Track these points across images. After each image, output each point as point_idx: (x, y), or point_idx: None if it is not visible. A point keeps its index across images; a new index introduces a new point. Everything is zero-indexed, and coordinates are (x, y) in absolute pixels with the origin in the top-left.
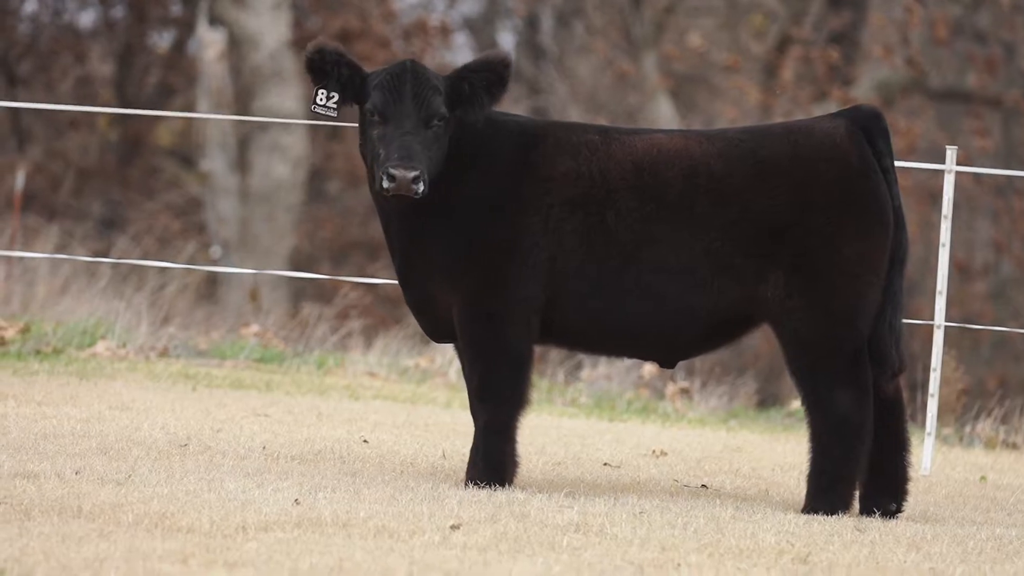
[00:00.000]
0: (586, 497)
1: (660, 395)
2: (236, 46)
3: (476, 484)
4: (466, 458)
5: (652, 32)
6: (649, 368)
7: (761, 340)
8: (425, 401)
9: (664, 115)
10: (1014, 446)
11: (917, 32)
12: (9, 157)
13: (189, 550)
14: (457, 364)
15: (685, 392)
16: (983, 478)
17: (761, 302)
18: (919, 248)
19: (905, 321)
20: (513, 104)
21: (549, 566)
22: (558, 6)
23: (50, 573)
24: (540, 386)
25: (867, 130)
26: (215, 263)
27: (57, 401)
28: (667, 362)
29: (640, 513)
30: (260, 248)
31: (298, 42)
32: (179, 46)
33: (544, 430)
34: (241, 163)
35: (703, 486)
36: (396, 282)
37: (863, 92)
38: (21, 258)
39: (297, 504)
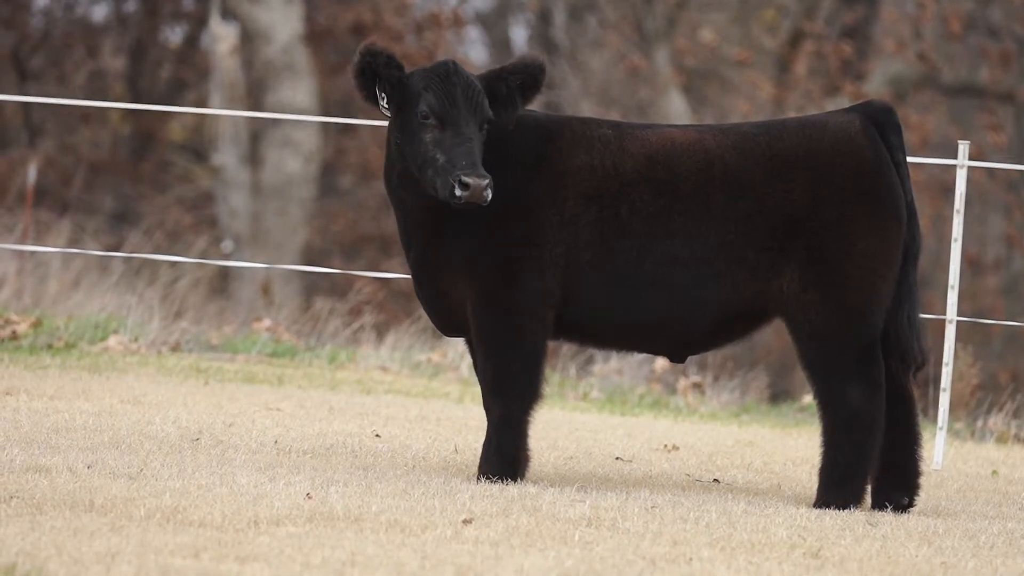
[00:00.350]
0: (598, 491)
1: (672, 390)
2: (248, 40)
3: (488, 478)
4: (478, 453)
5: (664, 27)
6: (661, 363)
7: (773, 335)
8: (437, 396)
9: (676, 110)
10: None
11: (930, 27)
12: (21, 151)
13: (201, 544)
14: (469, 359)
15: (697, 387)
16: (995, 472)
17: (775, 296)
18: (931, 243)
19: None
20: None
21: (561, 560)
22: (570, 0)
23: (62, 567)
24: (552, 381)
25: (879, 125)
26: (227, 257)
27: (69, 395)
28: (678, 357)
29: (652, 507)
30: (272, 243)
31: (311, 36)
32: (191, 40)
33: (556, 424)
34: (253, 157)
35: (715, 480)
36: (408, 277)
37: (875, 87)
38: (33, 252)
39: (309, 498)
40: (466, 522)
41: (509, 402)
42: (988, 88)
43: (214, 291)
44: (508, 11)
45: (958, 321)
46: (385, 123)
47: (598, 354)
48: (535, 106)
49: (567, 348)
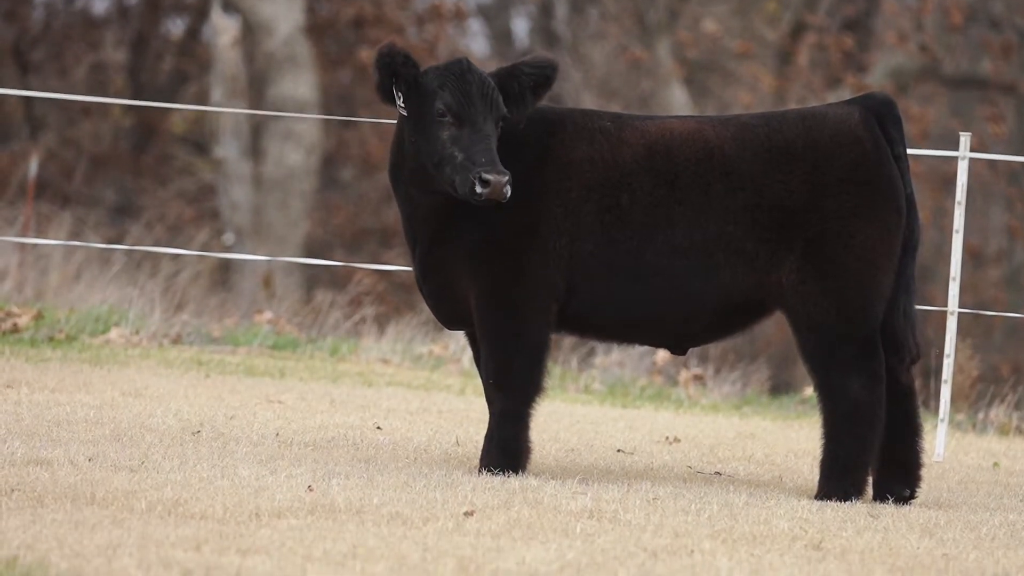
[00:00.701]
0: (599, 483)
1: (673, 382)
2: (250, 32)
3: (490, 471)
4: (479, 445)
5: (666, 19)
6: (662, 355)
7: (773, 327)
8: (439, 388)
9: (678, 101)
10: None
11: (931, 18)
12: (22, 144)
13: (202, 537)
14: (470, 351)
15: (698, 379)
16: (996, 464)
17: (774, 288)
18: (933, 234)
19: (918, 307)
20: None
21: (562, 552)
22: None
23: (63, 560)
24: (553, 373)
25: (880, 117)
26: (228, 250)
27: (70, 388)
28: (678, 349)
29: (653, 499)
30: (273, 235)
31: (312, 28)
32: (193, 33)
33: (557, 417)
34: (254, 150)
35: (716, 472)
36: (409, 269)
37: (877, 79)
38: (35, 245)
39: (310, 491)
40: (468, 514)
41: (512, 395)
42: (989, 79)
43: (215, 284)
44: (510, 3)
45: (960, 313)
46: (386, 120)
47: (599, 346)
48: None
49: (568, 340)
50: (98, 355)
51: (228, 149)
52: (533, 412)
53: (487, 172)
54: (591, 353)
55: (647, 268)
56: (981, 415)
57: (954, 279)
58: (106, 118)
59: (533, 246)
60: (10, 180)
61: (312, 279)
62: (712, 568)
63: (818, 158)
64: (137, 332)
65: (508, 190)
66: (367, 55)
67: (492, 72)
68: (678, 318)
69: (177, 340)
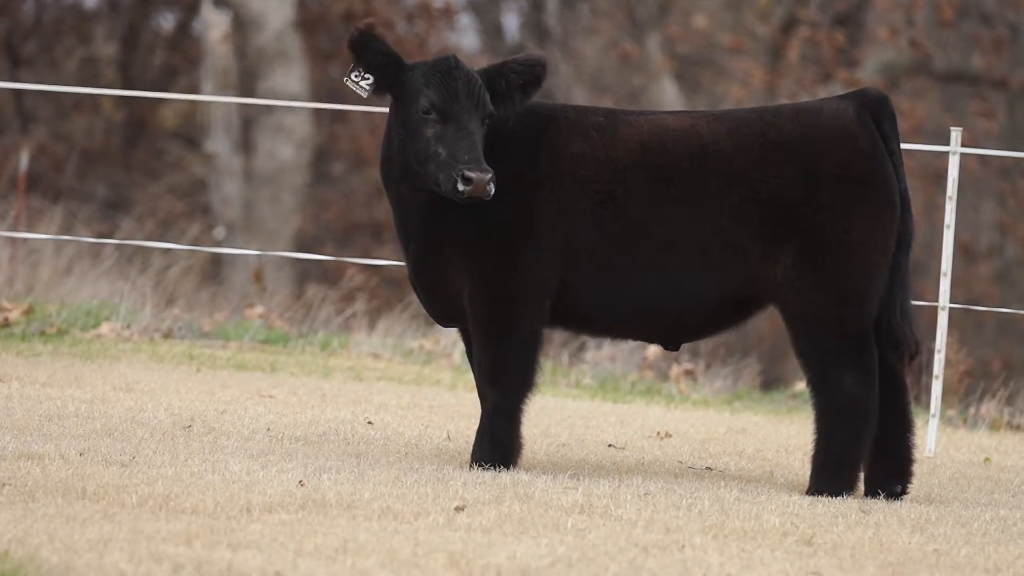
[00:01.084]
0: (590, 479)
1: (664, 377)
2: (241, 27)
3: (481, 466)
4: (471, 440)
5: (656, 13)
6: (653, 350)
7: (765, 322)
8: (430, 383)
9: (668, 96)
10: (1018, 428)
11: (922, 13)
12: (13, 138)
13: (194, 531)
14: (461, 346)
15: (689, 374)
16: (987, 460)
17: (769, 283)
18: (924, 229)
19: (912, 303)
20: None
21: (553, 547)
22: None
23: (54, 554)
24: (544, 368)
25: (875, 113)
26: (219, 244)
27: (61, 382)
28: (672, 344)
29: (645, 495)
30: (264, 230)
31: (303, 23)
32: (184, 27)
33: (549, 412)
34: (245, 144)
35: (708, 468)
36: (401, 264)
37: (868, 74)
38: (25, 239)
39: (301, 485)
40: (459, 509)
41: (504, 391)
42: (981, 75)
43: (206, 278)
44: None
45: (951, 308)
46: (375, 109)
47: (590, 341)
48: None
49: (560, 335)
50: (89, 349)
51: (219, 144)
52: (525, 407)
53: (469, 170)
54: (582, 348)
55: (641, 264)
56: (972, 411)
57: (945, 274)
58: (97, 112)
59: (527, 242)
60: (1, 174)
61: (303, 273)
62: (703, 563)
63: (813, 153)
64: (128, 326)
65: (491, 188)
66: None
67: (481, 70)
68: (672, 313)
69: (168, 334)
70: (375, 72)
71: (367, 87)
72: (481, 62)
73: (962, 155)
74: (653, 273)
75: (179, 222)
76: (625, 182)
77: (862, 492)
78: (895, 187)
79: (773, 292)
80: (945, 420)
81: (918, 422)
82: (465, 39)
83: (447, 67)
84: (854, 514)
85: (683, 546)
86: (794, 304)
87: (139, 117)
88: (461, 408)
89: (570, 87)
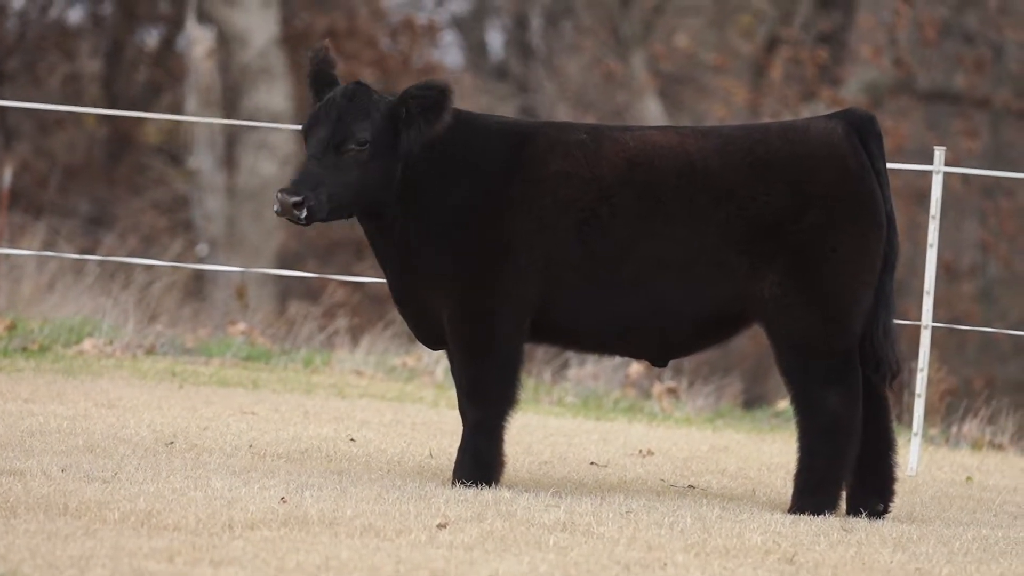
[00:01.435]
0: (573, 496)
1: (647, 395)
2: (225, 43)
3: (463, 483)
4: (453, 457)
5: (640, 31)
6: (636, 367)
7: (747, 341)
8: (412, 400)
9: (652, 114)
10: (1000, 447)
11: (905, 33)
12: None
13: (175, 548)
14: (444, 363)
15: (672, 392)
16: (969, 479)
17: (755, 300)
18: (907, 248)
19: (895, 322)
20: (501, 103)
21: (535, 565)
22: (547, 5)
23: (36, 570)
24: (527, 385)
25: (860, 133)
26: (202, 261)
27: (43, 398)
28: (658, 361)
29: (627, 512)
30: (247, 246)
31: (287, 40)
32: (168, 43)
33: (531, 429)
34: (228, 161)
35: (690, 486)
36: (382, 280)
37: (851, 93)
38: (8, 255)
39: (283, 502)
40: (441, 527)
41: (485, 408)
42: (963, 94)
43: (189, 294)
44: (485, 15)
45: (933, 327)
46: None
47: (573, 359)
48: (510, 111)
49: (542, 352)
50: (71, 365)
51: (202, 160)
52: (506, 424)
53: (280, 190)
54: (565, 365)
55: (628, 281)
56: (954, 430)
57: (928, 293)
58: (80, 128)
59: (504, 260)
60: None
61: (286, 290)
62: None
63: (801, 172)
64: (111, 342)
65: (299, 212)
66: (340, 67)
67: (389, 96)
68: (658, 330)
69: (151, 351)
70: (315, 93)
71: None
72: (465, 79)
73: (945, 174)
74: (639, 290)
75: (162, 238)
76: (611, 200)
77: (844, 511)
78: (882, 206)
79: (759, 309)
80: (927, 439)
81: (900, 441)
82: (449, 56)
83: (334, 94)
84: (836, 532)
85: (665, 564)
86: (779, 322)
87: (122, 133)
88: (443, 425)
89: (554, 104)
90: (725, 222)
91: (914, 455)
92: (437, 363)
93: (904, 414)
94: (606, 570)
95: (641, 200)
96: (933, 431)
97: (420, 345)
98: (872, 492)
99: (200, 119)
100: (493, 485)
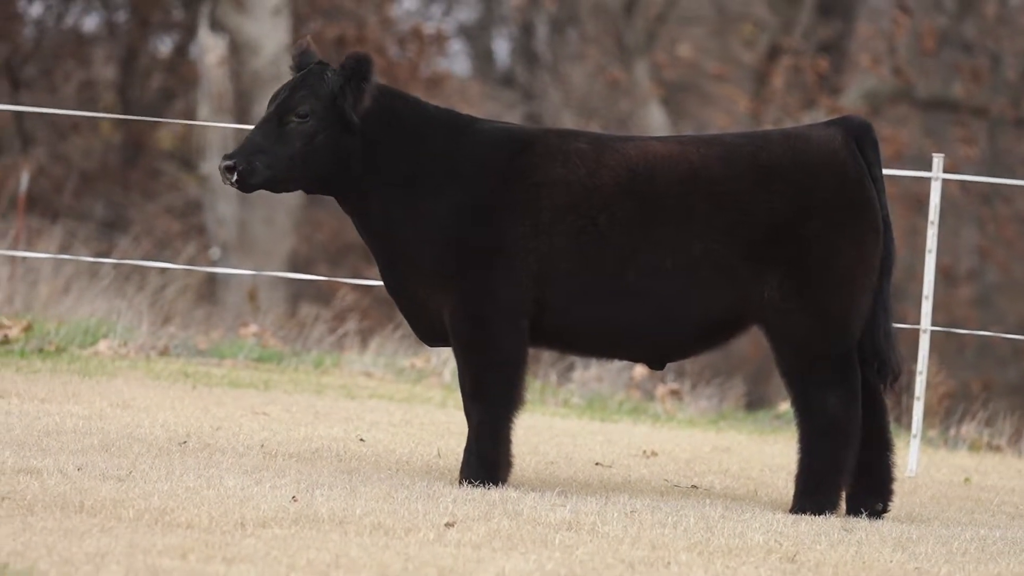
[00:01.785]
0: (578, 496)
1: (651, 396)
2: (237, 51)
3: (470, 483)
4: (460, 457)
5: (644, 40)
6: (640, 370)
7: (749, 344)
8: (420, 400)
9: (656, 122)
10: (998, 448)
11: (904, 42)
12: (13, 159)
13: (188, 545)
14: (452, 364)
15: (675, 394)
16: (967, 480)
17: (755, 304)
18: (905, 254)
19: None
20: (508, 110)
21: (541, 563)
22: (553, 14)
23: (52, 567)
24: (533, 387)
25: (858, 140)
26: (215, 264)
27: (59, 398)
28: (657, 364)
29: (631, 512)
30: (259, 250)
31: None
32: (181, 51)
33: (537, 430)
34: None
35: (693, 486)
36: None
37: (851, 101)
38: (24, 258)
39: (295, 501)
40: (448, 525)
41: (487, 408)
42: (962, 102)
43: (202, 297)
44: (491, 24)
45: (932, 331)
46: None
47: (578, 361)
48: (516, 118)
49: (548, 354)
50: (87, 366)
51: (214, 165)
52: (512, 424)
53: (221, 157)
54: (570, 368)
55: (628, 287)
56: (953, 431)
57: (927, 298)
58: (95, 134)
59: (497, 263)
60: (1, 194)
61: (296, 293)
62: None
63: (803, 178)
64: (125, 344)
65: (228, 176)
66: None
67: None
68: (658, 335)
69: (164, 352)
70: None
71: None
72: (473, 87)
73: (943, 181)
74: (640, 296)
75: (175, 242)
76: (611, 208)
77: (845, 511)
78: (879, 212)
79: (759, 313)
80: (926, 441)
81: (900, 443)
82: (456, 64)
83: (296, 75)
84: (837, 532)
85: (669, 563)
86: (780, 325)
87: (136, 139)
88: (451, 426)
89: (559, 111)
90: (728, 228)
91: (913, 456)
92: (445, 364)
93: (903, 416)
94: (611, 568)
95: (642, 209)
96: (932, 433)
97: (428, 347)
98: (872, 492)
99: (211, 123)
100: (498, 483)
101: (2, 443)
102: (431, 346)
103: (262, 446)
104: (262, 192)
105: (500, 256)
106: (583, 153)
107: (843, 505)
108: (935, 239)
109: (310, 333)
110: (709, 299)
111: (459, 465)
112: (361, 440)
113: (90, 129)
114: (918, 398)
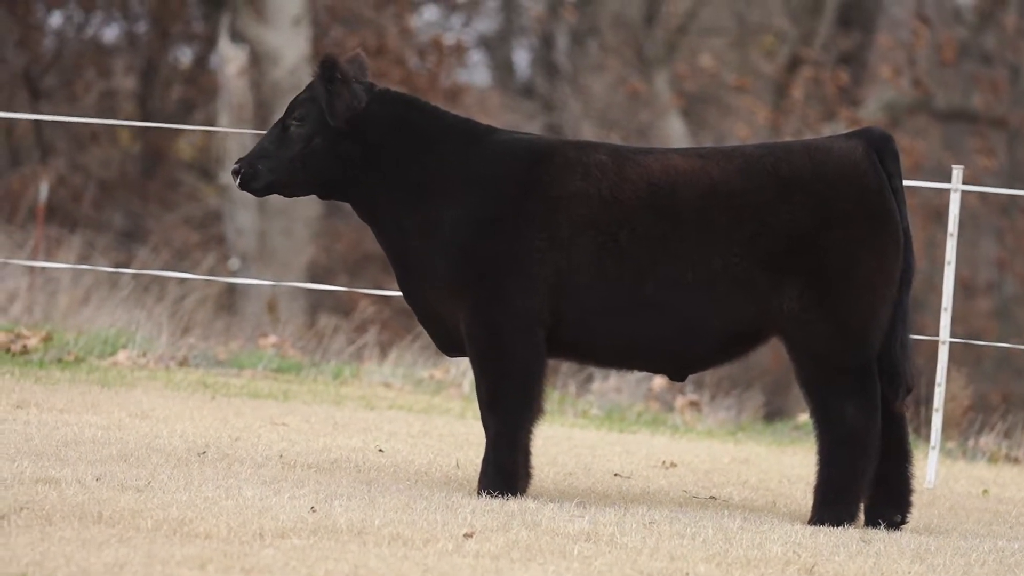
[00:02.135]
0: (597, 507)
1: (669, 407)
2: (257, 62)
3: (488, 493)
4: (479, 468)
5: (664, 51)
6: (659, 381)
7: (768, 355)
8: (439, 411)
9: (676, 133)
10: (1016, 460)
11: (924, 54)
12: (33, 169)
13: (207, 556)
14: (471, 376)
15: (694, 405)
16: (986, 491)
17: (776, 316)
18: (924, 265)
19: (911, 337)
20: (528, 121)
21: (560, 574)
22: (573, 25)
23: None
24: (552, 398)
25: (878, 151)
26: (234, 275)
27: (78, 409)
28: (678, 375)
29: (650, 523)
30: (278, 260)
31: (317, 58)
32: (201, 61)
33: (556, 441)
34: None
35: (711, 497)
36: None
37: (870, 113)
38: (44, 268)
39: (313, 511)
40: (467, 536)
41: (503, 418)
42: (980, 114)
43: (221, 307)
44: (511, 34)
45: (951, 342)
46: None
47: (597, 372)
48: (536, 129)
49: (567, 365)
50: (106, 377)
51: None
52: (530, 434)
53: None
54: (589, 379)
55: (647, 300)
56: (971, 443)
57: (946, 309)
58: (115, 144)
59: (512, 274)
60: (21, 204)
61: (315, 304)
62: None
63: (824, 190)
64: (144, 354)
65: (236, 180)
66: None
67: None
68: (678, 347)
69: (183, 363)
70: None
71: None
72: (493, 98)
73: (962, 192)
74: (660, 309)
75: (194, 252)
76: (631, 222)
77: (863, 522)
78: (899, 224)
79: (779, 324)
80: (945, 452)
81: (919, 454)
82: (476, 75)
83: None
84: (855, 544)
85: (687, 574)
86: (799, 337)
87: (156, 149)
88: (470, 436)
89: (579, 122)
90: (748, 240)
91: (932, 468)
92: (464, 376)
93: (922, 427)
94: None
95: (662, 223)
96: (950, 444)
97: (447, 358)
98: (890, 504)
99: (229, 129)
100: (516, 494)
101: (21, 453)
102: (448, 355)
103: (281, 457)
104: (281, 202)
105: (515, 266)
106: (603, 166)
107: (861, 516)
108: (954, 250)
109: (329, 344)
110: (729, 311)
111: (477, 476)
112: (380, 451)
113: (109, 139)
114: (937, 409)
